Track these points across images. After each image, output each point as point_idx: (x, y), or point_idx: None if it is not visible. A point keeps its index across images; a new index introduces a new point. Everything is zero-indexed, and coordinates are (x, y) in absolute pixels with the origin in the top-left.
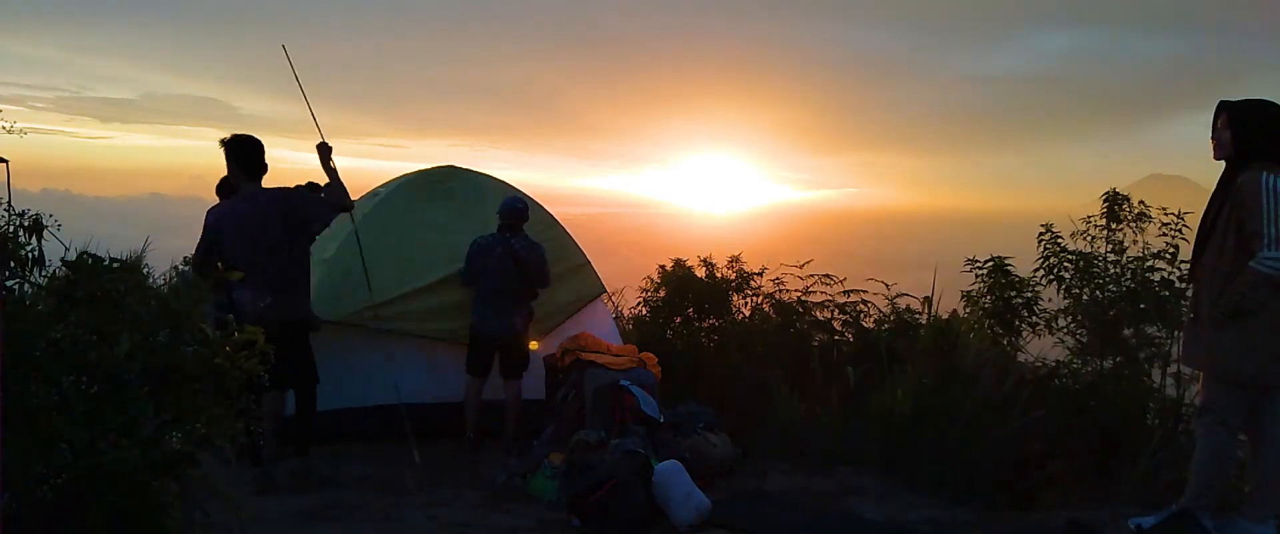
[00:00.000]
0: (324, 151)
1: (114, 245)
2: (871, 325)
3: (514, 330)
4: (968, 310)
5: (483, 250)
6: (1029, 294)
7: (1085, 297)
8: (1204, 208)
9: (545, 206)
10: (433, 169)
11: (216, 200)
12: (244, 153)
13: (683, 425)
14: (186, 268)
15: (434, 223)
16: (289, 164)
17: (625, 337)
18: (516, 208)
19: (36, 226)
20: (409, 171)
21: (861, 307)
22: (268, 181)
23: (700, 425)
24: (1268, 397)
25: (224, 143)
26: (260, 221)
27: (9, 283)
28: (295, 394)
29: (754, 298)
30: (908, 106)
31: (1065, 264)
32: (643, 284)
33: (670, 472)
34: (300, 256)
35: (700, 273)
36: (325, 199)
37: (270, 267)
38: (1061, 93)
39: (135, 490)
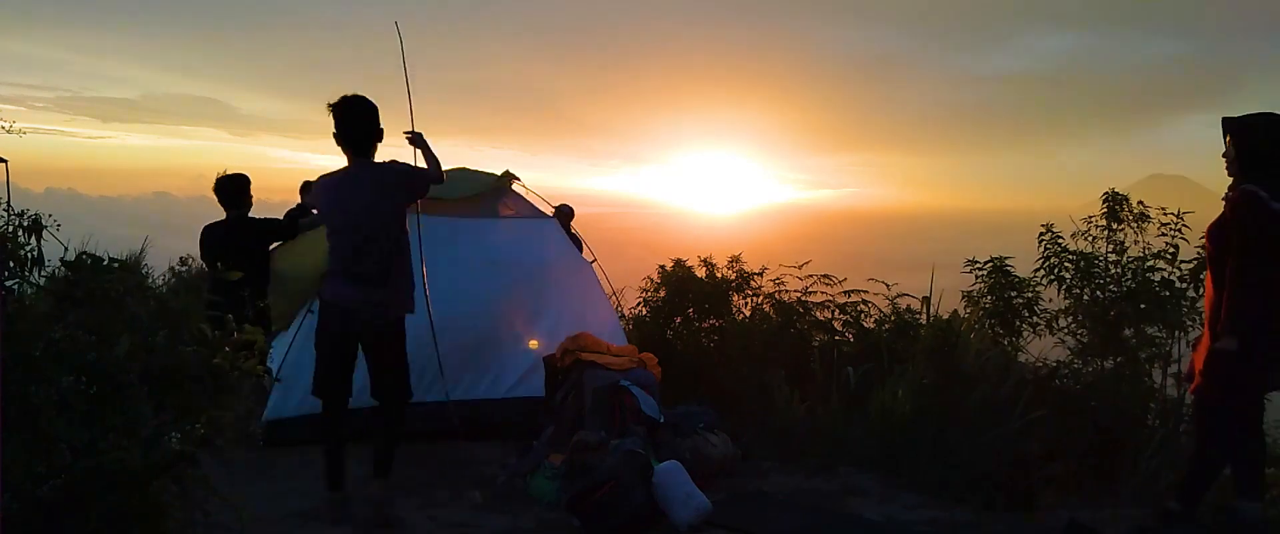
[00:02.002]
0: (416, 140)
1: (123, 246)
2: (872, 325)
3: None
4: (968, 310)
5: None
6: (1029, 294)
7: (1086, 297)
8: (1206, 209)
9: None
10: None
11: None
12: (351, 115)
13: (683, 425)
14: (185, 268)
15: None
16: (289, 164)
17: (625, 336)
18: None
19: (36, 226)
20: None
21: (861, 307)
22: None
23: (700, 425)
24: None
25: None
26: (361, 197)
27: (9, 283)
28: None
29: (754, 298)
30: (908, 106)
31: (1066, 264)
32: (643, 284)
33: (670, 472)
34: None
35: (700, 273)
36: (424, 171)
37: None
38: (1061, 93)
39: (135, 490)
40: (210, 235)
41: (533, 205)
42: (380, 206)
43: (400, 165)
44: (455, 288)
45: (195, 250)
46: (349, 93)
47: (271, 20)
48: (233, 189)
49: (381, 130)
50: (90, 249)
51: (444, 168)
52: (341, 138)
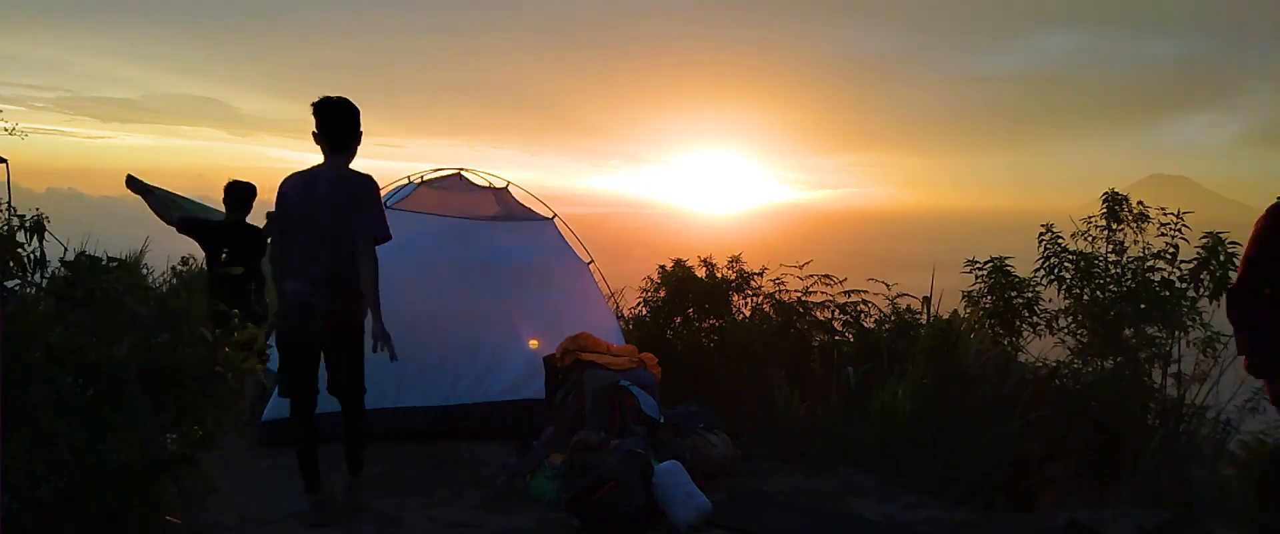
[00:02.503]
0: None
1: (126, 246)
2: (872, 325)
3: None
4: (968, 310)
5: None
6: (1029, 294)
7: (1086, 297)
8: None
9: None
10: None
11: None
12: (329, 114)
13: (683, 425)
14: (184, 268)
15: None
16: (289, 164)
17: (625, 336)
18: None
19: (37, 228)
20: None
21: (862, 307)
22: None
23: (700, 425)
24: None
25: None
26: (323, 196)
27: (9, 283)
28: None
29: (754, 298)
30: (908, 106)
31: (1066, 264)
32: (643, 284)
33: (670, 472)
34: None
35: (700, 273)
36: (379, 217)
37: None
38: (1061, 93)
39: (135, 490)
40: (210, 231)
41: (530, 208)
42: (341, 209)
43: (369, 189)
44: (455, 289)
45: (197, 250)
46: (340, 93)
47: (272, 20)
48: (241, 195)
49: (360, 133)
50: (91, 249)
51: (444, 171)
52: (318, 136)
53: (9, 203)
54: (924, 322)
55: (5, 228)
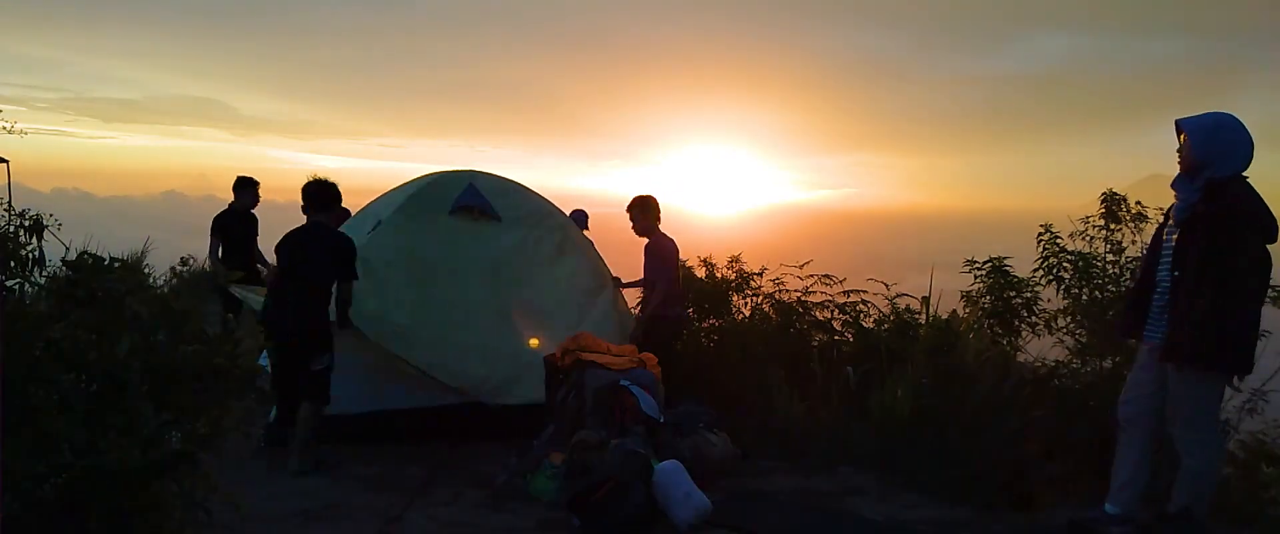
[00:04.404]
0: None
1: (136, 246)
2: (871, 325)
3: None
4: (967, 310)
5: None
6: (1028, 294)
7: (1084, 297)
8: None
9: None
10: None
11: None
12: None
13: (683, 425)
14: (185, 268)
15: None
16: (289, 164)
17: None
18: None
19: (37, 227)
20: (417, 177)
21: (861, 307)
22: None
23: (700, 425)
24: None
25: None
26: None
27: (9, 283)
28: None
29: (754, 298)
30: (907, 106)
31: (1064, 264)
32: None
33: (670, 472)
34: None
35: (700, 273)
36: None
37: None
38: (1060, 93)
39: (135, 490)
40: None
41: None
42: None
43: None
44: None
45: (197, 250)
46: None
47: (272, 21)
48: (325, 197)
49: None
50: (98, 249)
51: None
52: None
53: (9, 202)
54: (923, 321)
55: (10, 228)
